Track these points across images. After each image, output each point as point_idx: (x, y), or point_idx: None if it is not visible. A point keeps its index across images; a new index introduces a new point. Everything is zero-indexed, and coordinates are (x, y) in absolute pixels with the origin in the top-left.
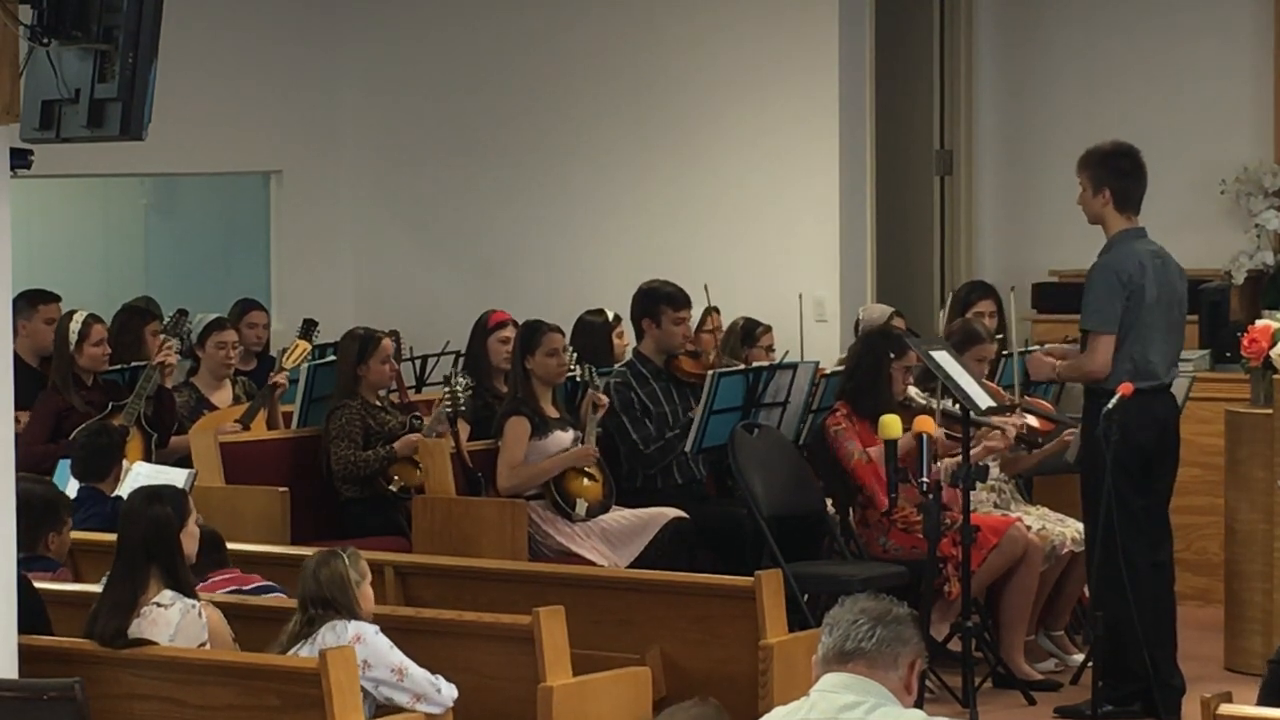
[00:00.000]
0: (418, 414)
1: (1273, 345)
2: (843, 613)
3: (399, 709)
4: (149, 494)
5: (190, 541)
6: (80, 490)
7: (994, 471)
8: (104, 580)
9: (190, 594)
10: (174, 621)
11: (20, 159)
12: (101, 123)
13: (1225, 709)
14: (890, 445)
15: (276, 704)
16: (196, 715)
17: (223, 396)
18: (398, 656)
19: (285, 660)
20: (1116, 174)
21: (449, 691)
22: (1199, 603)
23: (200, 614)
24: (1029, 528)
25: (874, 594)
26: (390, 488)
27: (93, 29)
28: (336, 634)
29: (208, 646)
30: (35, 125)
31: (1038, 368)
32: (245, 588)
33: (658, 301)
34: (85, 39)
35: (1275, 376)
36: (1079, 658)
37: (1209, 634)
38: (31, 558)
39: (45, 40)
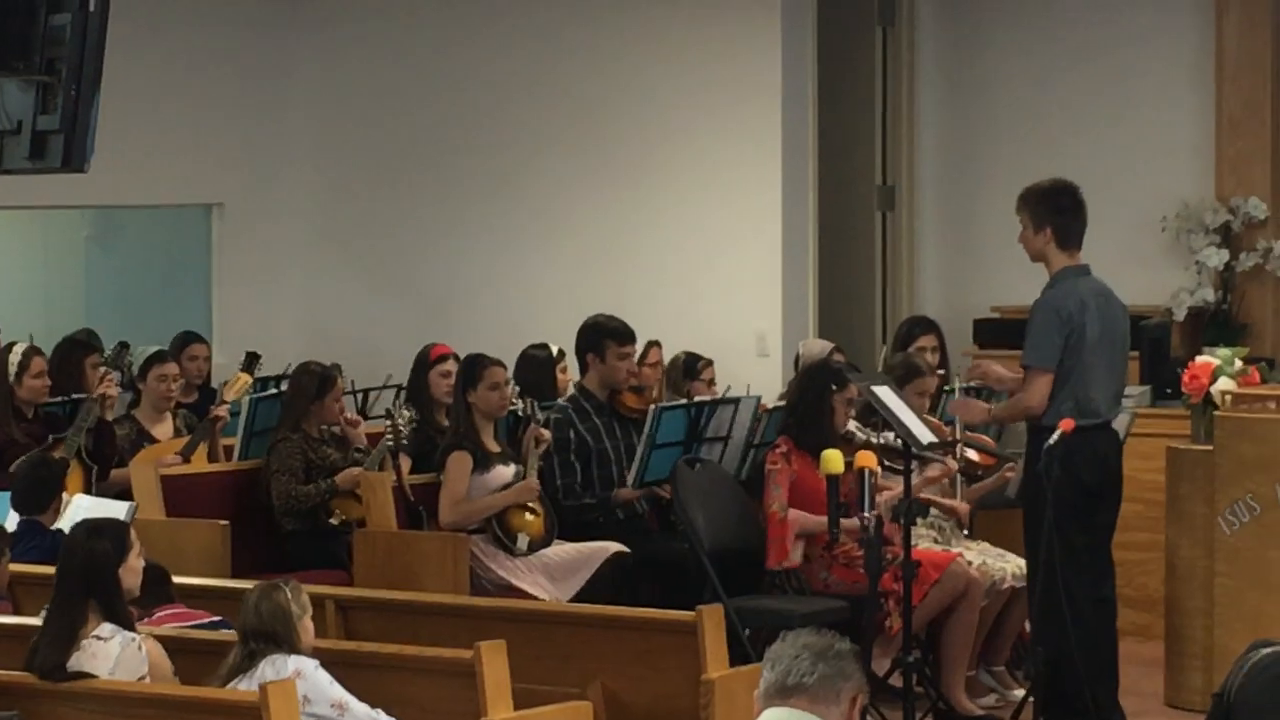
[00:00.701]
0: (358, 448)
1: (1213, 381)
2: (784, 648)
3: None
4: (89, 528)
5: (131, 576)
6: (20, 523)
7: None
8: (43, 613)
9: (130, 628)
10: (114, 655)
11: None
12: (44, 154)
13: None
14: (832, 480)
15: None
16: None
17: (163, 429)
18: (338, 691)
19: (225, 694)
20: (1057, 211)
21: None
22: (1140, 638)
23: (140, 647)
24: (970, 563)
25: (815, 629)
26: (331, 521)
27: (35, 60)
28: (276, 669)
29: (148, 680)
30: None
31: (967, 411)
32: (189, 623)
33: (602, 336)
34: (27, 70)
35: (1215, 413)
36: (1019, 693)
37: (1150, 670)
38: None
39: None
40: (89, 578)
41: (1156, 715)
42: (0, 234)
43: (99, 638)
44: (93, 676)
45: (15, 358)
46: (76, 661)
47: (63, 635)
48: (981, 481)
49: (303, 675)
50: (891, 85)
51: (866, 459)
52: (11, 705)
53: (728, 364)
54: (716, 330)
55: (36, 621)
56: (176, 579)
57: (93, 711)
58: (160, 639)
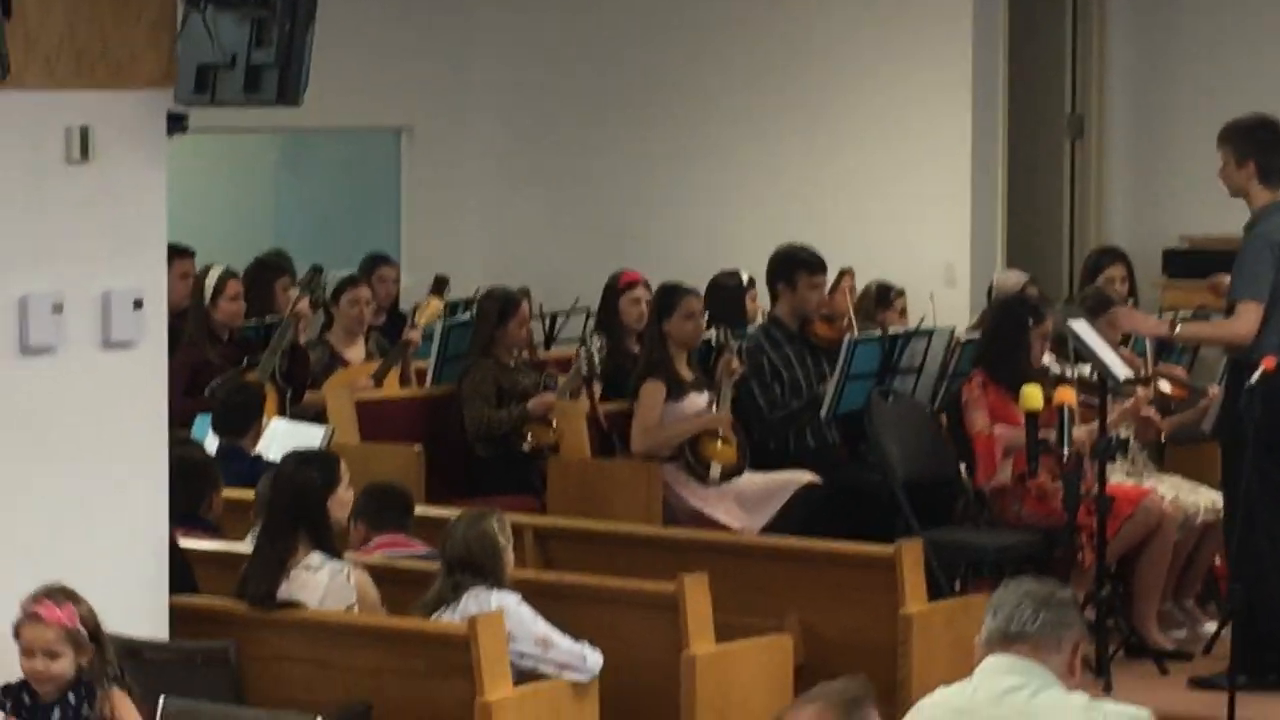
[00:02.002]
0: (550, 374)
1: None
2: (1006, 595)
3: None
4: (299, 458)
5: (339, 508)
6: (220, 447)
7: (1126, 433)
8: (248, 539)
9: (337, 557)
10: (323, 584)
11: (176, 122)
12: (258, 88)
13: None
14: (1031, 416)
15: (424, 669)
16: (344, 678)
17: (355, 352)
18: (542, 627)
19: (434, 625)
20: (1260, 147)
21: (595, 660)
22: None
23: (349, 577)
24: (1163, 497)
25: (1037, 577)
26: (523, 447)
27: None
28: (479, 603)
29: (356, 609)
30: (190, 89)
31: (1143, 324)
32: (403, 552)
33: (794, 266)
34: (242, 4)
35: None
36: (1210, 627)
37: None
38: (193, 520)
39: (201, 5)
40: (298, 507)
41: None
42: (192, 157)
43: (308, 567)
44: (302, 606)
45: (211, 281)
46: (286, 591)
47: (272, 564)
48: (1176, 415)
49: (506, 611)
50: (1082, 12)
51: (1066, 395)
52: (222, 633)
53: (916, 293)
54: (906, 260)
55: (242, 548)
56: None
57: (303, 640)
58: (368, 568)
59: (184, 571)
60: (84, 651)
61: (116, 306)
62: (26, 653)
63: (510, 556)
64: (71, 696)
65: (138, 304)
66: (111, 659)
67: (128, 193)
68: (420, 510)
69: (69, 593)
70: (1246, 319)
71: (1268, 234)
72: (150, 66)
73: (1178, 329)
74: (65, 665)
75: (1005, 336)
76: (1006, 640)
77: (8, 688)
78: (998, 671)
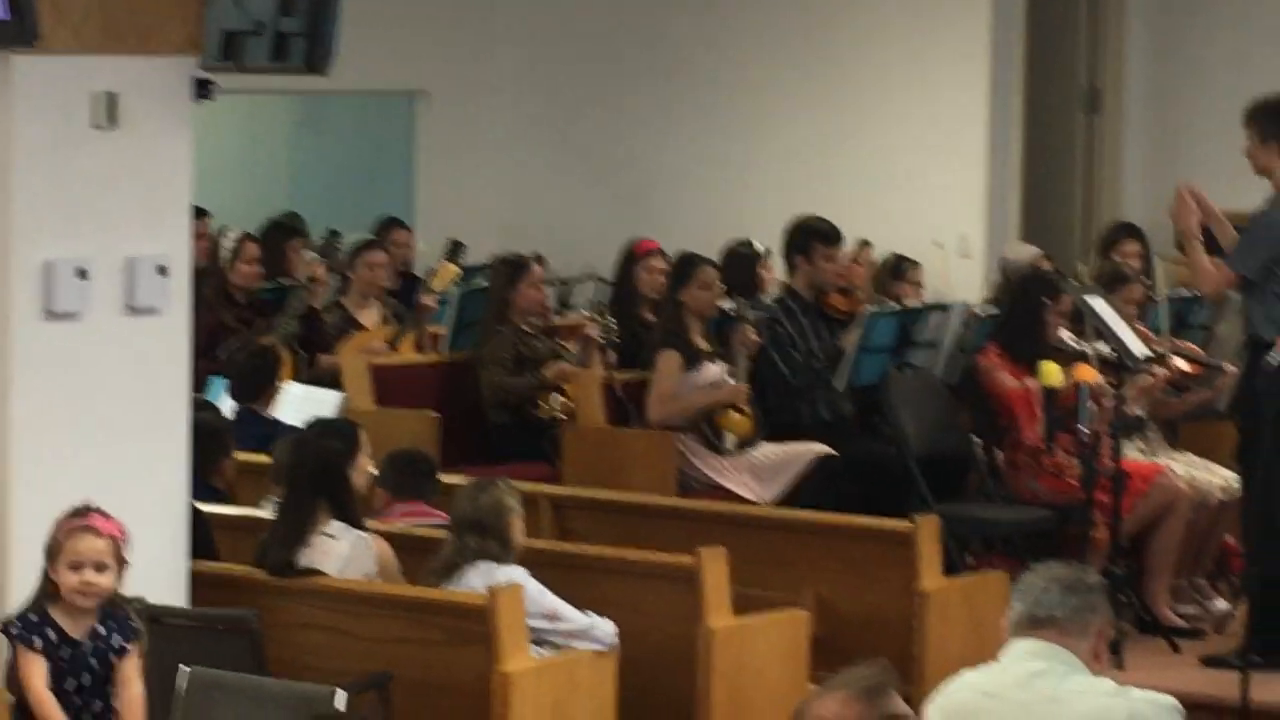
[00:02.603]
0: (563, 343)
1: None
2: (1033, 579)
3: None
4: (322, 427)
5: (360, 477)
6: (236, 411)
7: (1138, 411)
8: (265, 504)
9: (359, 526)
10: (343, 553)
11: (203, 89)
12: (286, 56)
13: None
14: (1050, 392)
15: (442, 639)
16: (364, 647)
17: (370, 317)
18: (549, 601)
19: (454, 595)
20: None
21: (606, 628)
22: None
23: (370, 546)
24: (1177, 475)
25: (1065, 561)
26: (539, 414)
27: None
28: (485, 578)
29: (377, 579)
30: (216, 56)
31: (1181, 216)
32: (425, 521)
33: (810, 237)
34: None
35: None
36: (1221, 604)
37: None
38: (204, 486)
39: None
40: (320, 476)
41: None
42: (209, 118)
43: (329, 536)
44: (323, 574)
45: (228, 243)
46: (306, 559)
47: (293, 532)
48: (1194, 393)
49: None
50: None
51: (1086, 373)
52: (241, 600)
53: (930, 266)
54: (921, 231)
55: (259, 513)
56: None
57: (322, 609)
58: (387, 536)
59: (205, 538)
60: (123, 570)
61: (141, 273)
62: (74, 566)
63: (520, 524)
64: (102, 628)
65: (162, 270)
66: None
67: (154, 159)
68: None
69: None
70: (1215, 278)
71: (1273, 217)
72: (177, 33)
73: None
74: (111, 579)
75: (1022, 313)
76: (1033, 624)
77: (26, 621)
78: (1025, 655)
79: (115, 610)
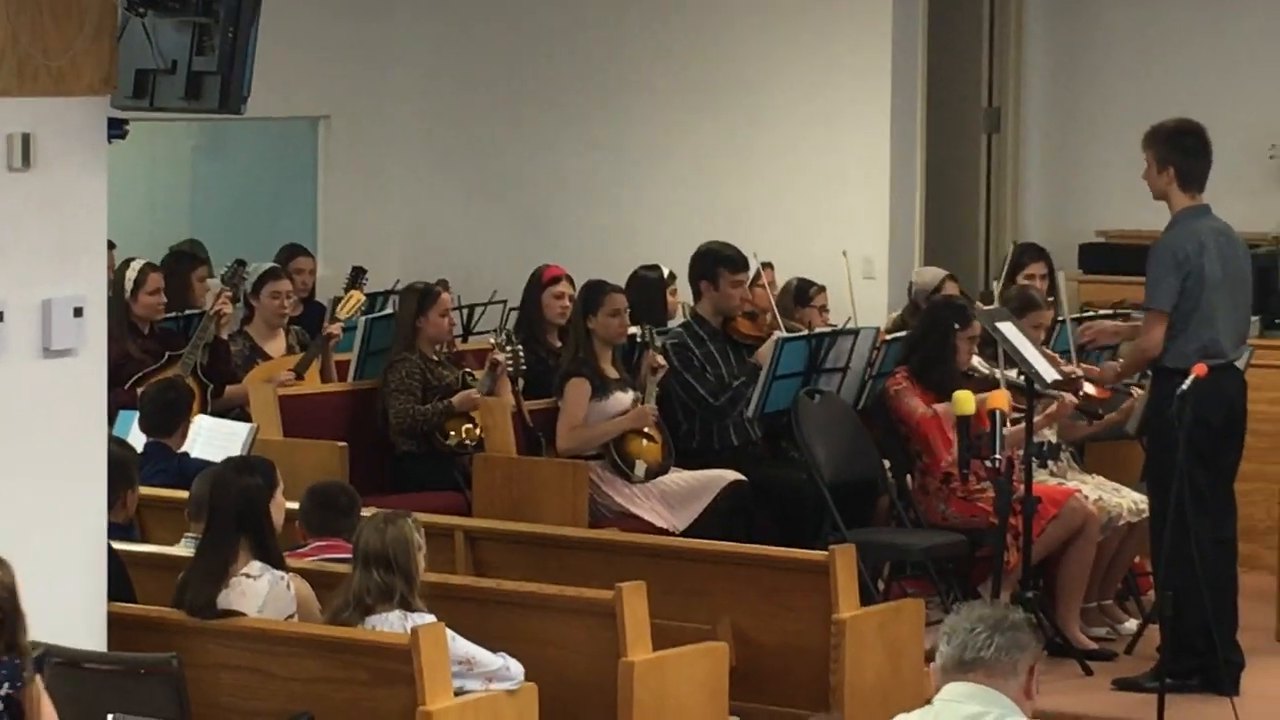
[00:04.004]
0: (470, 370)
1: None
2: (960, 621)
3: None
4: (240, 464)
5: (278, 512)
6: (147, 445)
7: (1049, 435)
8: (183, 542)
9: (279, 565)
10: (263, 593)
11: (116, 128)
12: (199, 95)
13: None
14: (964, 421)
15: (365, 678)
16: (285, 687)
17: (276, 346)
18: (462, 647)
19: (375, 635)
20: (1181, 152)
21: (517, 669)
22: (1245, 568)
23: (289, 585)
24: (1087, 498)
25: (991, 601)
26: (448, 443)
27: (192, 2)
28: (391, 627)
29: (295, 618)
30: (129, 94)
31: (1102, 334)
32: (341, 555)
33: (716, 264)
34: (184, 11)
35: None
36: (1131, 625)
37: (1258, 603)
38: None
39: (141, 11)
40: (241, 514)
41: (1269, 652)
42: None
43: (248, 575)
44: (242, 614)
45: (132, 274)
46: (225, 599)
47: (214, 572)
48: (1104, 419)
49: None
50: (1000, 4)
51: (998, 400)
52: (161, 642)
53: (834, 288)
54: (824, 253)
55: (171, 550)
56: (291, 503)
57: (243, 649)
58: (303, 572)
59: (119, 578)
60: (15, 621)
61: (57, 314)
62: None
63: (422, 560)
64: None
65: (78, 312)
66: (26, 645)
67: (69, 200)
68: None
69: None
70: (1153, 333)
71: (1173, 243)
72: (91, 73)
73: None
74: None
75: (932, 340)
76: (962, 667)
77: None
78: (958, 699)
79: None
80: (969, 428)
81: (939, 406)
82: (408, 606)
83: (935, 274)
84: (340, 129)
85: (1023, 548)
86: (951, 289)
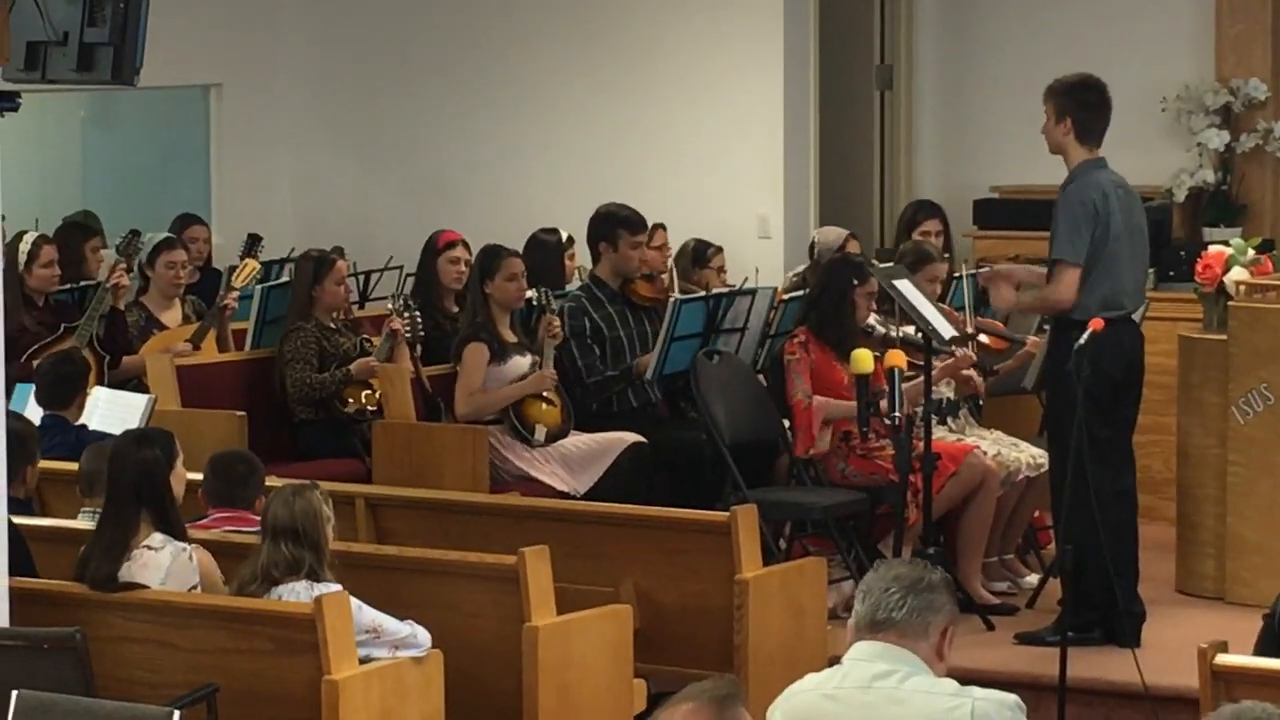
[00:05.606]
0: (368, 337)
1: (1226, 271)
2: (876, 580)
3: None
4: (138, 436)
5: (179, 483)
6: (44, 418)
7: (947, 392)
8: (82, 515)
9: (181, 536)
10: (165, 565)
11: (8, 100)
12: (91, 67)
13: (1222, 659)
14: (862, 379)
15: (269, 648)
16: (189, 659)
17: (172, 316)
18: (368, 615)
19: (278, 605)
20: (1081, 105)
21: (424, 636)
22: (1144, 520)
23: (191, 557)
24: (985, 453)
25: (910, 560)
26: (347, 410)
27: None
28: (304, 595)
29: (199, 589)
30: (20, 67)
31: (999, 299)
32: (244, 528)
33: (614, 225)
34: None
35: (1229, 303)
36: (1032, 579)
37: (1158, 554)
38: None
39: None
40: (140, 487)
41: (1169, 604)
42: None
43: (150, 547)
44: (144, 587)
45: (25, 246)
46: (127, 572)
47: (115, 545)
48: (993, 369)
49: None
50: None
51: (896, 358)
52: (63, 617)
53: (731, 247)
54: (720, 214)
55: (72, 524)
56: (192, 474)
57: (146, 622)
58: (206, 543)
59: (20, 553)
60: None
61: None
62: None
63: (331, 532)
64: None
65: None
66: None
67: None
68: None
69: None
70: (1065, 283)
71: (1080, 194)
72: None
73: (1018, 300)
74: None
75: (830, 297)
76: (874, 627)
77: None
78: (866, 658)
79: None
80: (868, 386)
81: (817, 400)
82: (315, 578)
83: (838, 233)
84: (231, 97)
85: (923, 504)
86: (854, 247)
